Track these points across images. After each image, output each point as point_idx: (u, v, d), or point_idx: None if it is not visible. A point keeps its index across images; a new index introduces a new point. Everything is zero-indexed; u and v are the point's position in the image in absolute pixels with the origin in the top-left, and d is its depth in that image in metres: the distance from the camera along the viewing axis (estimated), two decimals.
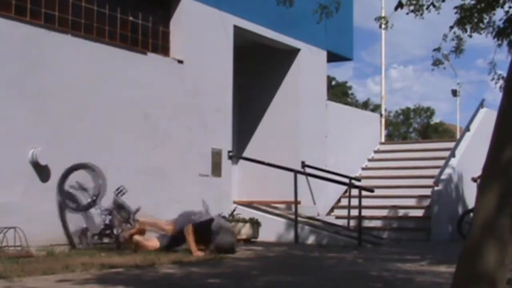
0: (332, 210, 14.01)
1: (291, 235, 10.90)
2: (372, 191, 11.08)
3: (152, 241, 8.67)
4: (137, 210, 8.63)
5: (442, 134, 49.23)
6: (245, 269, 7.11)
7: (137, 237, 8.57)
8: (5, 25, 8.26)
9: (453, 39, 8.97)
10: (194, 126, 10.87)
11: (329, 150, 13.90)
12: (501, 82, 9.22)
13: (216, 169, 11.19)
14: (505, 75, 4.37)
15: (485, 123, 14.60)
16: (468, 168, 13.15)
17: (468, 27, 8.69)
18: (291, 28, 12.90)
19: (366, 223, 12.55)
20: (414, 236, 12.61)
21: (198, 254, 8.18)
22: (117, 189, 8.61)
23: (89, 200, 8.47)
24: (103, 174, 8.58)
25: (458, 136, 22.84)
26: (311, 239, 10.90)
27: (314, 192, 13.11)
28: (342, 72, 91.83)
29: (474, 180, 13.19)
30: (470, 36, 8.86)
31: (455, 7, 8.56)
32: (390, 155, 15.93)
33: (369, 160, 15.87)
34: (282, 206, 12.31)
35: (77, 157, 8.96)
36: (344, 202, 13.51)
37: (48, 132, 8.67)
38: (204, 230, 8.49)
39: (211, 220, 8.61)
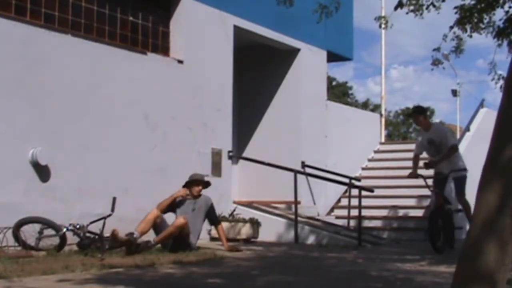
0: (332, 210, 14.00)
1: (291, 235, 10.90)
2: (372, 191, 11.07)
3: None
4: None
5: None
6: (245, 269, 7.11)
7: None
8: (5, 25, 8.27)
9: (453, 39, 8.94)
10: (194, 126, 10.87)
11: (329, 150, 13.89)
12: (501, 82, 9.20)
13: (216, 169, 11.19)
14: (505, 75, 4.37)
15: (485, 123, 14.57)
16: (468, 168, 13.11)
17: (468, 27, 8.67)
18: (291, 28, 12.90)
19: (366, 223, 12.53)
20: (414, 236, 12.59)
21: (233, 248, 8.74)
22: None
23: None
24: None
25: (458, 136, 22.79)
26: (311, 239, 10.90)
27: (314, 192, 13.11)
28: (343, 72, 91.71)
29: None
30: (470, 36, 8.84)
31: (455, 7, 8.54)
32: (390, 155, 15.90)
33: (369, 160, 15.86)
34: (282, 206, 12.30)
35: (77, 157, 8.97)
36: (344, 202, 13.50)
37: (48, 132, 8.67)
38: (211, 212, 8.94)
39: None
